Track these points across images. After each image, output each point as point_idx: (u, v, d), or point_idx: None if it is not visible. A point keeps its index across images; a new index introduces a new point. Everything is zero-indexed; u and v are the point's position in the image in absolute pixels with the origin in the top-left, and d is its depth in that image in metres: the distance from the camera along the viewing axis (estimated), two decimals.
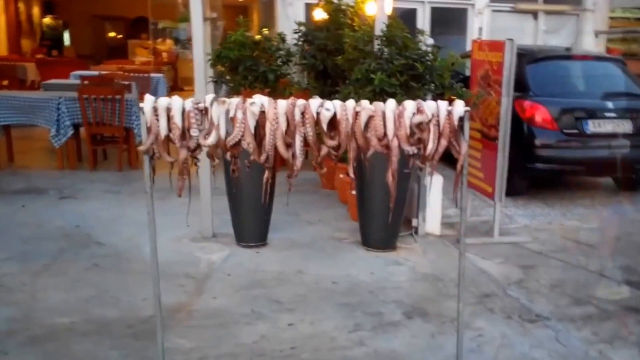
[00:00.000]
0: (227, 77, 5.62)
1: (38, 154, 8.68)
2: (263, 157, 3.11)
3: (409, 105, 3.15)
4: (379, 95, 5.08)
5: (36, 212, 5.90)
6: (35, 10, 19.59)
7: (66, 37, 21.44)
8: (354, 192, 5.50)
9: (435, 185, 5.47)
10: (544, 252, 5.42)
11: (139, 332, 3.65)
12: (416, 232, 5.59)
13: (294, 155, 3.14)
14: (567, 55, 7.95)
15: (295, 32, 6.97)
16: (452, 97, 5.34)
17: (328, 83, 6.55)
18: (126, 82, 9.44)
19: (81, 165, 7.99)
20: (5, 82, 13.47)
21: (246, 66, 5.35)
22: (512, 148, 5.61)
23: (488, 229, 5.85)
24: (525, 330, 3.92)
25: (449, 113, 3.16)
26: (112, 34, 22.76)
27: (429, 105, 3.15)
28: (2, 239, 5.16)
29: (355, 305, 4.15)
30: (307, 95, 6.57)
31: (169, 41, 20.21)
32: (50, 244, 5.06)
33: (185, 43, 19.08)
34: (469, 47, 10.71)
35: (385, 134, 3.17)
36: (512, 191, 6.48)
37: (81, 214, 5.87)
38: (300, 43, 6.92)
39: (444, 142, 3.20)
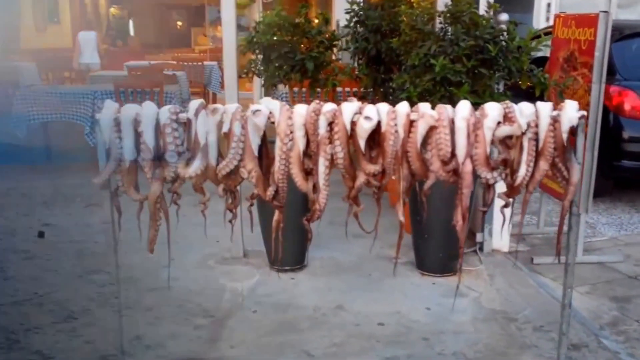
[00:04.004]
0: (260, 68, 4.44)
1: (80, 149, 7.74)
2: (270, 192, 1.96)
3: (492, 110, 1.93)
4: (439, 84, 3.84)
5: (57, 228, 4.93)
6: (102, 1, 18.89)
7: (131, 27, 20.78)
8: (407, 200, 4.29)
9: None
10: None
11: None
12: (481, 249, 4.34)
13: (315, 188, 1.99)
14: None
15: (347, 12, 5.70)
16: (530, 84, 4.05)
17: (381, 70, 5.28)
18: (170, 73, 8.42)
19: None
20: (67, 74, 12.76)
21: (280, 53, 4.17)
22: None
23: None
24: None
25: (554, 121, 1.93)
26: (178, 22, 21.96)
27: (523, 110, 1.93)
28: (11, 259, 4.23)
29: None
30: (355, 85, 5.36)
31: None
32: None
33: (245, 29, 17.98)
34: (535, 26, 9.25)
35: (453, 154, 1.97)
36: (594, 192, 5.12)
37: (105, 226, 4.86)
38: (352, 25, 5.63)
39: (543, 165, 1.97)
